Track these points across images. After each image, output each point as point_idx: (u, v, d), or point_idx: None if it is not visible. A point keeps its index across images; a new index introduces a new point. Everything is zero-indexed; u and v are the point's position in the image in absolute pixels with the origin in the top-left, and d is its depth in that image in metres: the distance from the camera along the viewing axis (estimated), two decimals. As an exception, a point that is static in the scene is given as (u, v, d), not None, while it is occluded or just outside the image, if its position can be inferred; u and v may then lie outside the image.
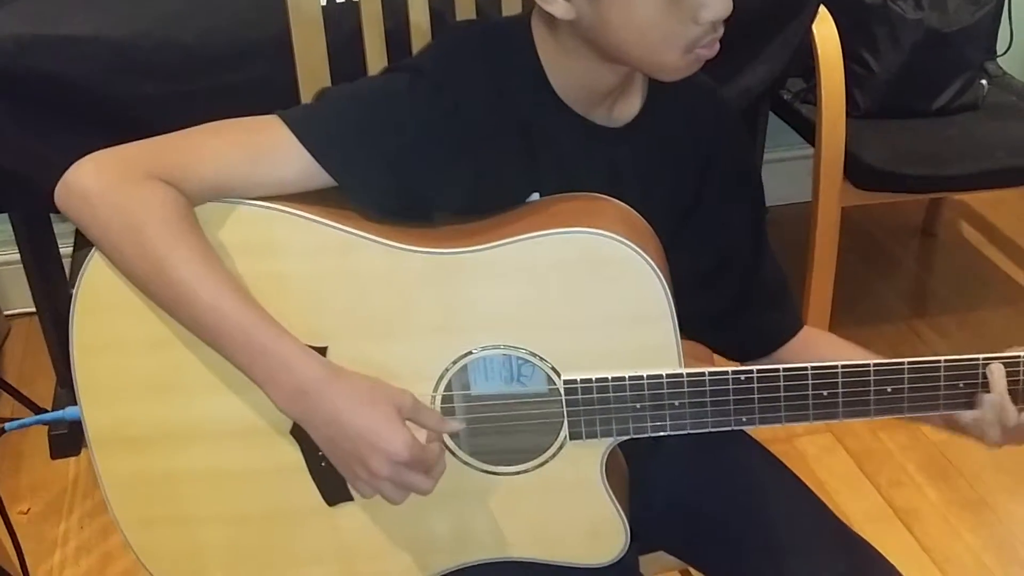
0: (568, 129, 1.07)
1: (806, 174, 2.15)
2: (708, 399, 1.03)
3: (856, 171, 2.03)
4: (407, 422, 0.98)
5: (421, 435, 0.99)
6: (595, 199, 1.08)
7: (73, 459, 2.15)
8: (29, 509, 2.03)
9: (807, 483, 1.23)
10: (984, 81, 2.25)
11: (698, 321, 1.11)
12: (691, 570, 1.44)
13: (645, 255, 1.00)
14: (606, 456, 1.06)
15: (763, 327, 1.22)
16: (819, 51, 1.96)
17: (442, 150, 1.03)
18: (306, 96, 1.39)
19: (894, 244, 2.78)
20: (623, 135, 1.10)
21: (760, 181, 1.23)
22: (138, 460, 1.06)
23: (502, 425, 1.06)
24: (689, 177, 1.15)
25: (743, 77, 1.89)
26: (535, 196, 1.09)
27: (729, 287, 1.19)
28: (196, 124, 1.02)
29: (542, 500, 1.07)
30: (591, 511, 1.08)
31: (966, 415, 1.03)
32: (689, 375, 1.02)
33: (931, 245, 2.78)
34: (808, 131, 2.10)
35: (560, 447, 1.06)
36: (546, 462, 1.06)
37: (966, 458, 2.07)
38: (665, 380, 1.02)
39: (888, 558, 1.14)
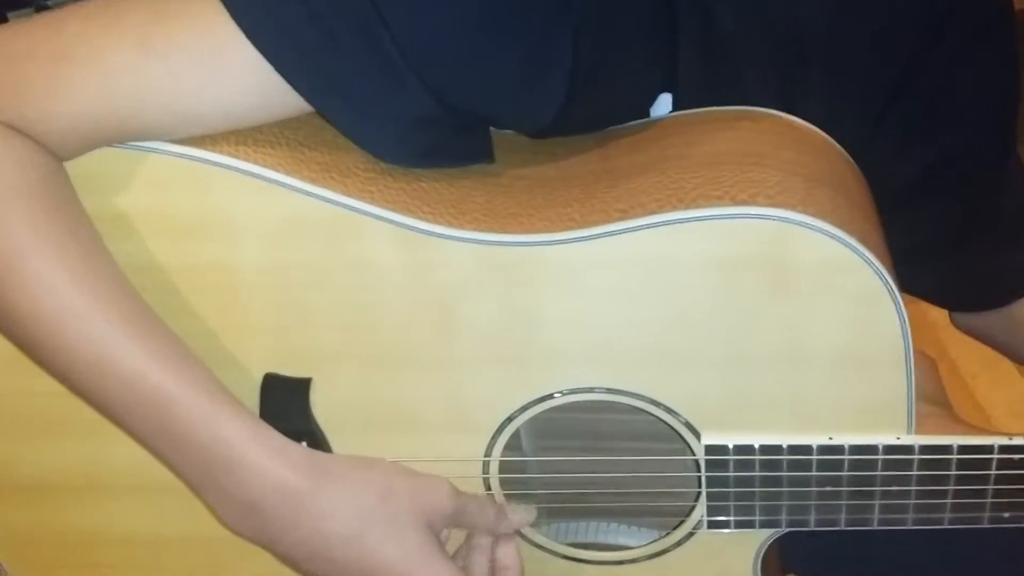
0: None
1: None
2: (951, 487, 0.61)
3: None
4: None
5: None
6: (771, 121, 0.63)
7: None
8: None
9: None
10: None
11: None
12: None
13: (876, 262, 0.56)
14: (764, 551, 0.66)
15: (998, 267, 0.78)
16: None
17: (516, 36, 0.56)
18: None
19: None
20: None
21: (1014, 47, 0.75)
22: (36, 514, 0.70)
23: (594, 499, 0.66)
24: (901, 42, 0.68)
25: None
26: (665, 101, 0.64)
27: (951, 207, 0.76)
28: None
29: (654, 602, 0.68)
30: (729, 619, 0.69)
31: None
32: (924, 449, 0.60)
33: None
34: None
35: (690, 534, 0.66)
36: (666, 551, 0.67)
37: None
38: (881, 456, 0.60)
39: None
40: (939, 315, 1.68)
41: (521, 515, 0.63)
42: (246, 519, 0.57)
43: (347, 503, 0.57)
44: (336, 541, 0.57)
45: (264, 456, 0.56)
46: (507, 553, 0.62)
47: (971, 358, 1.65)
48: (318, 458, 0.58)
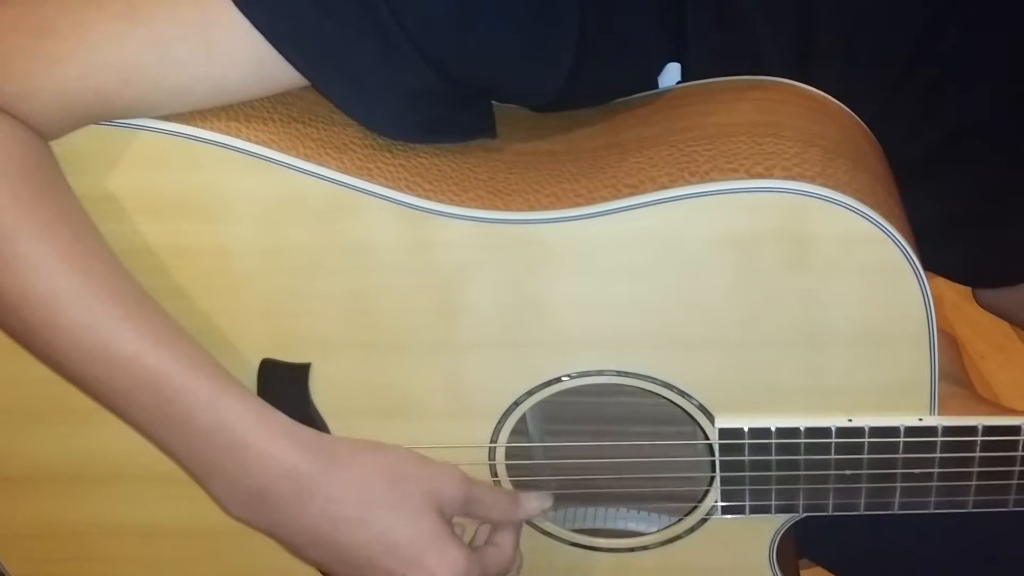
0: None
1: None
2: (975, 469, 0.59)
3: None
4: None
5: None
6: (785, 90, 0.60)
7: None
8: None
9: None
10: None
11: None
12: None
13: (898, 235, 0.54)
14: (780, 536, 0.64)
15: None
16: None
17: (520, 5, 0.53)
18: None
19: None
20: None
21: None
22: (28, 506, 0.68)
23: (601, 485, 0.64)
24: (917, 5, 0.65)
25: None
26: (673, 70, 0.61)
27: (976, 178, 0.70)
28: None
29: (666, 590, 0.66)
30: (743, 606, 0.67)
31: None
32: (948, 430, 0.58)
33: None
34: None
35: (702, 520, 0.63)
36: (677, 537, 0.64)
37: None
38: (903, 438, 0.58)
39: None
40: (946, 292, 1.66)
41: (536, 502, 0.61)
42: (251, 505, 0.55)
43: (355, 487, 0.55)
44: (343, 525, 0.55)
45: (270, 440, 0.53)
46: (505, 539, 0.60)
47: (979, 338, 1.62)
48: (326, 441, 0.56)
